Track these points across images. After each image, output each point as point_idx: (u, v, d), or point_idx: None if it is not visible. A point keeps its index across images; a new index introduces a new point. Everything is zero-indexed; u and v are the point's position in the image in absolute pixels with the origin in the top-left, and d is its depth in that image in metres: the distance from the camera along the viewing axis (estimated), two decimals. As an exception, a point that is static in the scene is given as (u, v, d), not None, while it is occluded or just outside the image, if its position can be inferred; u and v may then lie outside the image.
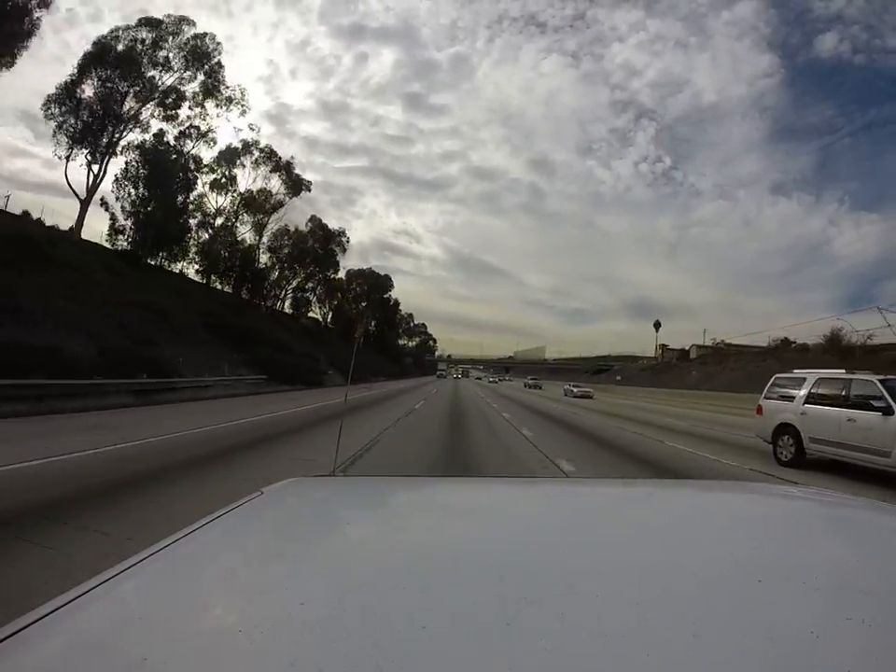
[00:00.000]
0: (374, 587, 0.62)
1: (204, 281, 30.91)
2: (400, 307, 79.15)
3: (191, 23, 24.57)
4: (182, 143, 25.62)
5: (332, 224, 47.45)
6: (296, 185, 33.74)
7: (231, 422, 10.07)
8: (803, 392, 7.60)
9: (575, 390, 33.23)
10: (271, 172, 31.85)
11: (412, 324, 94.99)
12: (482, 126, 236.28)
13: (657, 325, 80.00)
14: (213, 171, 28.44)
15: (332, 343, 40.59)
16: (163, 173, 23.38)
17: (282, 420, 11.46)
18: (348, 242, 45.19)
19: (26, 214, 22.60)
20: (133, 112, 22.52)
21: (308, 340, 35.80)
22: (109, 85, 20.64)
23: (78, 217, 21.91)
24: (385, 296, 66.36)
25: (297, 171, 33.77)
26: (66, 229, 21.92)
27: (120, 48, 21.16)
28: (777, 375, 8.67)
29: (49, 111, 20.11)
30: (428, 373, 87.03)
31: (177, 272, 28.39)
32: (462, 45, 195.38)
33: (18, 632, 0.50)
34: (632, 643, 0.50)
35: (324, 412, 13.62)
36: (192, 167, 26.58)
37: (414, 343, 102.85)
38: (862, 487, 5.84)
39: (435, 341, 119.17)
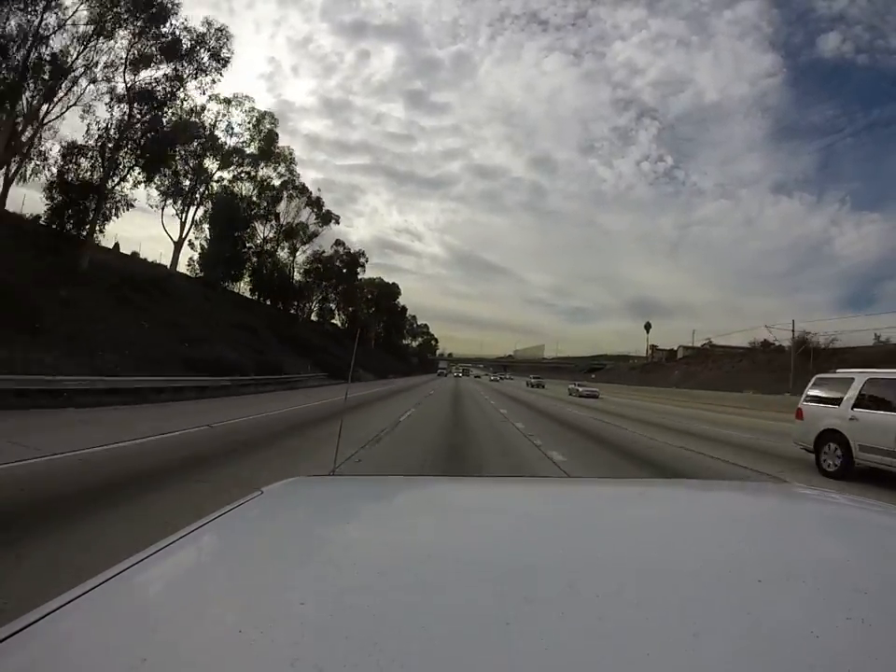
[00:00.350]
0: (374, 587, 0.62)
1: (255, 297, 37.82)
2: (407, 312, 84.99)
3: (252, 100, 31.07)
4: (239, 188, 32.34)
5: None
6: (325, 217, 40.79)
7: (348, 396, 17.58)
8: (850, 394, 6.76)
9: (581, 389, 32.11)
10: (304, 206, 38.67)
11: (415, 325, 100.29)
12: (483, 124, 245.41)
13: (647, 326, 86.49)
14: (260, 208, 34.58)
15: (350, 345, 46.50)
16: (228, 214, 30.00)
17: (373, 395, 19.59)
18: (367, 261, 53.06)
19: (135, 254, 29.67)
20: (211, 172, 28.87)
21: (333, 342, 41.89)
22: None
23: (173, 255, 28.41)
24: (394, 302, 72.58)
25: (321, 199, 40.51)
26: (161, 264, 28.68)
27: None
28: (819, 376, 7.79)
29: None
30: (431, 371, 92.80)
31: (236, 291, 35.51)
32: (464, 43, 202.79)
33: (18, 632, 0.50)
34: (632, 643, 0.50)
35: (383, 392, 22.22)
36: (247, 207, 33.13)
37: (418, 342, 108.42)
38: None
39: (437, 341, 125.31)
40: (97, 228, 21.08)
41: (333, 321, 55.35)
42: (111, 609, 0.58)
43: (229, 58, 23.50)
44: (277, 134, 32.50)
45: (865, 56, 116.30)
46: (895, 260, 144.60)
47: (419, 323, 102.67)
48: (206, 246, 30.87)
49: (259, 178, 32.99)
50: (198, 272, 31.65)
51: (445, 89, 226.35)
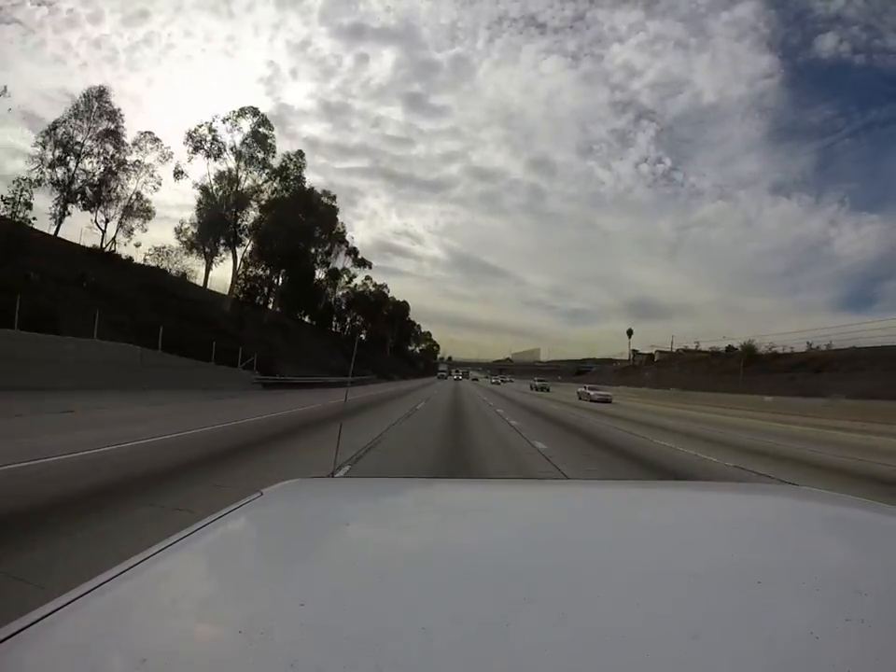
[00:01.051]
0: (374, 588, 0.62)
1: (310, 321, 51.50)
2: (415, 325, 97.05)
3: (337, 210, 46.11)
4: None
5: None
6: (361, 263, 54.89)
7: (402, 385, 31.56)
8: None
9: (592, 394, 29.35)
10: (345, 255, 52.10)
11: (420, 332, 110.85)
12: (482, 127, 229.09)
13: (629, 332, 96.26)
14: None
15: (375, 353, 62.76)
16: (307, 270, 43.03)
17: (416, 385, 33.81)
18: (390, 293, 69.59)
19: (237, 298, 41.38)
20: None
21: (362, 351, 54.84)
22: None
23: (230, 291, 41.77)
24: (405, 318, 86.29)
25: (357, 249, 54.47)
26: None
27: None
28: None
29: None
30: (434, 374, 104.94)
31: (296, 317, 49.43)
32: (462, 46, 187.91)
33: (18, 632, 0.50)
34: (632, 644, 0.50)
35: (416, 384, 36.16)
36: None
37: (422, 347, 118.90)
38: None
39: (438, 347, 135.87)
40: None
41: (360, 335, 68.53)
42: (111, 609, 0.58)
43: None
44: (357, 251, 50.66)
45: (863, 56, 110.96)
46: (894, 260, 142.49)
47: (423, 331, 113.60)
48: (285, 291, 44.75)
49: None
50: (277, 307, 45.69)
51: (444, 91, 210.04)
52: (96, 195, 28.08)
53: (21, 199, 22.48)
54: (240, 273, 36.26)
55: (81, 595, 0.58)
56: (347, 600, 0.59)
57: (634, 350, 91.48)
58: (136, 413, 10.35)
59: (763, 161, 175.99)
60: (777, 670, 0.47)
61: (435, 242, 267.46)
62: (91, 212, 28.39)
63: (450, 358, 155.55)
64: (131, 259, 29.08)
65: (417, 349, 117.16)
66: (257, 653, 0.47)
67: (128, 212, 29.40)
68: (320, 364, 34.10)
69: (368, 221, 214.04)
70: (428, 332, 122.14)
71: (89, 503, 3.99)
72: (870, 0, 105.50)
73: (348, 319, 62.09)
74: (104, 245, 28.26)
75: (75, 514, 3.68)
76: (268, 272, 38.67)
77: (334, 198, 46.16)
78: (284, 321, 40.05)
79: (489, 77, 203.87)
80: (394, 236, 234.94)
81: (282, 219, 34.69)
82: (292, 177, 36.81)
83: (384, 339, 72.53)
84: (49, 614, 0.53)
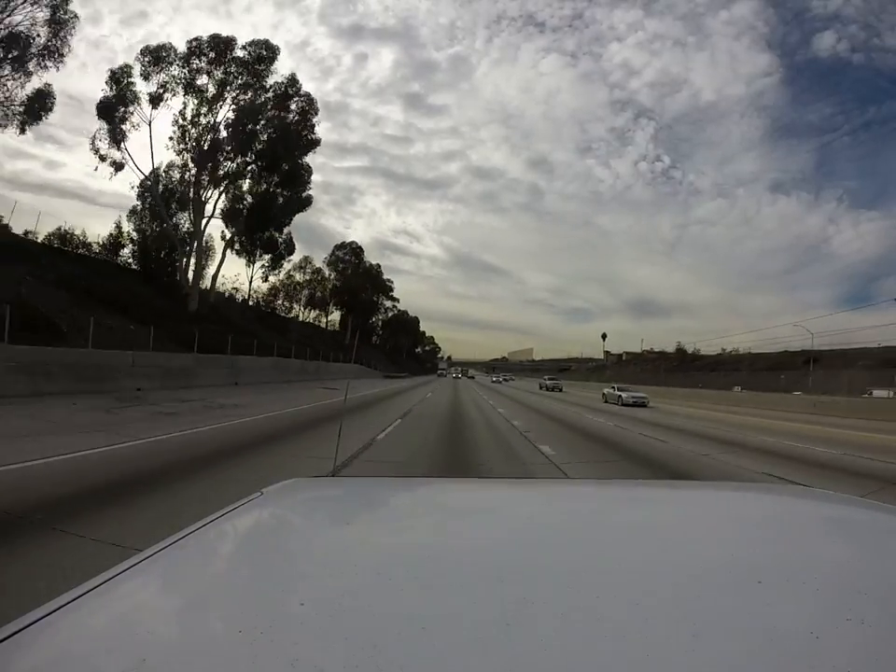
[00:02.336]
0: (374, 588, 0.62)
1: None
2: (426, 334, 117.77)
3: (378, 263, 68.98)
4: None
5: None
6: (393, 298, 77.73)
7: (419, 379, 53.08)
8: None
9: (624, 396, 22.79)
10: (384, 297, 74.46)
11: (425, 337, 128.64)
12: (481, 126, 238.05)
13: (604, 336, 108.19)
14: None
15: (399, 357, 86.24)
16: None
17: (427, 379, 56.06)
18: (419, 324, 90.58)
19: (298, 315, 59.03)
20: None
21: (395, 356, 77.06)
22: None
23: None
24: (418, 328, 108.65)
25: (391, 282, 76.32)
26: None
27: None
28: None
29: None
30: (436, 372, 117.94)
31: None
32: (461, 45, 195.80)
33: (18, 632, 0.50)
34: (632, 643, 0.50)
35: (426, 379, 57.61)
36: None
37: (426, 349, 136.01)
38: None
39: (440, 348, 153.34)
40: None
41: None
42: (111, 609, 0.59)
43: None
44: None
45: (861, 55, 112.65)
46: (892, 258, 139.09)
47: (428, 335, 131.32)
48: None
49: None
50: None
51: (443, 91, 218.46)
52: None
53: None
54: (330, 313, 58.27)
55: (81, 595, 0.58)
56: (347, 600, 0.58)
57: (607, 351, 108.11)
58: (329, 393, 18.68)
59: (762, 159, 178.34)
60: (776, 670, 0.47)
61: (434, 240, 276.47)
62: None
63: (449, 358, 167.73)
64: (297, 317, 52.61)
65: (422, 350, 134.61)
66: (257, 653, 0.47)
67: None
68: (384, 366, 56.34)
69: (367, 220, 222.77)
70: (432, 337, 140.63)
71: (308, 425, 9.74)
72: None
73: (380, 334, 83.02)
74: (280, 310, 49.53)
75: (303, 427, 9.52)
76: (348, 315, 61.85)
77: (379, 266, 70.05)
78: (353, 341, 61.72)
79: (488, 76, 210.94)
80: (393, 235, 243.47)
81: (353, 287, 56.13)
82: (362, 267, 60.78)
83: (402, 347, 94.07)
84: (49, 614, 0.54)
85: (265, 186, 31.79)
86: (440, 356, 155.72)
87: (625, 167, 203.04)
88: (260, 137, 29.70)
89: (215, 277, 33.88)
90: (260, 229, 33.09)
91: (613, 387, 25.54)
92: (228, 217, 31.80)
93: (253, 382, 22.12)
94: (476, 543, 0.83)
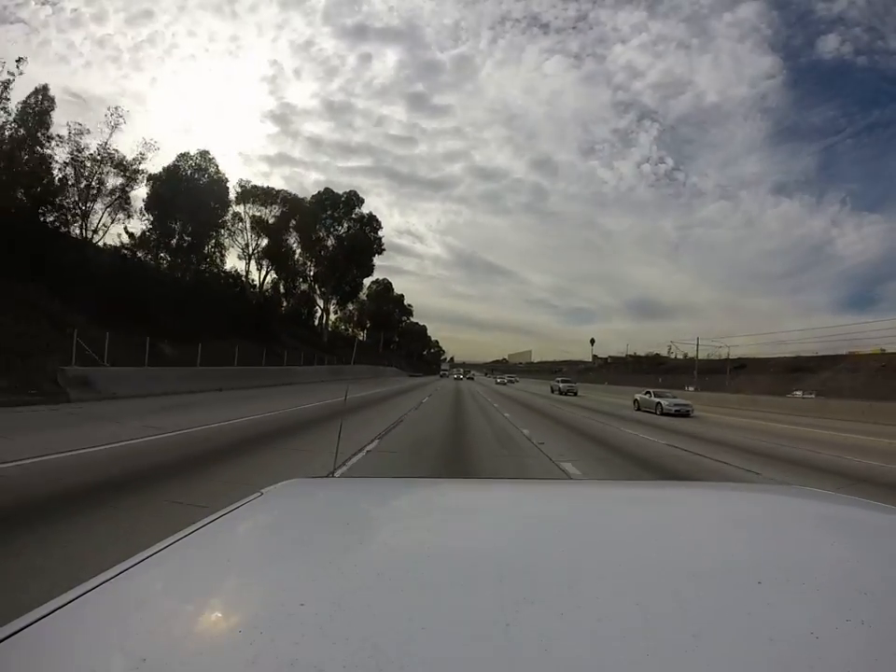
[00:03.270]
0: (374, 588, 0.62)
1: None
2: (430, 337, 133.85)
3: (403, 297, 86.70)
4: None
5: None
6: (410, 314, 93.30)
7: (428, 378, 68.38)
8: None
9: (664, 403, 18.55)
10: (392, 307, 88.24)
11: (431, 341, 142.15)
12: (484, 126, 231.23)
13: (592, 341, 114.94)
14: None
15: (412, 360, 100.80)
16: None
17: (430, 378, 70.84)
18: (426, 331, 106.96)
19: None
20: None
21: (411, 360, 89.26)
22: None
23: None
24: (426, 335, 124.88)
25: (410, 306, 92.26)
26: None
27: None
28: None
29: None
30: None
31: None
32: (465, 46, 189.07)
33: (18, 632, 0.50)
34: (632, 644, 0.50)
35: (432, 378, 71.96)
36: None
37: (432, 351, 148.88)
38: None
39: (444, 351, 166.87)
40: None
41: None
42: (111, 609, 0.59)
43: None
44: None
45: (865, 58, 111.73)
46: (894, 261, 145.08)
47: (433, 340, 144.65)
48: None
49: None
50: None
51: (447, 91, 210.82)
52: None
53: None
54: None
55: (81, 595, 0.58)
56: (347, 600, 0.59)
57: (595, 355, 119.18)
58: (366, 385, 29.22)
59: (765, 161, 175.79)
60: (777, 670, 0.47)
61: (437, 241, 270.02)
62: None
63: (452, 359, 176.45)
64: (355, 337, 67.53)
65: (428, 353, 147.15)
66: (257, 653, 0.47)
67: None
68: (405, 367, 71.68)
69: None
70: (437, 341, 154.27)
71: (365, 405, 15.48)
72: (872, 1, 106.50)
73: (397, 341, 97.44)
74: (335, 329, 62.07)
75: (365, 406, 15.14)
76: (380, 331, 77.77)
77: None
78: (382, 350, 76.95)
79: (492, 76, 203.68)
80: (396, 234, 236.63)
81: (385, 311, 73.27)
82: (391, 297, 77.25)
83: (413, 351, 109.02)
84: (49, 614, 0.54)
85: (354, 272, 53.86)
86: (443, 357, 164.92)
87: (629, 169, 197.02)
88: (348, 246, 51.38)
89: (326, 322, 56.93)
90: (351, 296, 58.67)
91: (649, 392, 20.98)
92: (331, 289, 54.18)
93: (351, 379, 34.89)
94: (476, 543, 0.83)
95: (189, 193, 29.59)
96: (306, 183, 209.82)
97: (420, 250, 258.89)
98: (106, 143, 24.73)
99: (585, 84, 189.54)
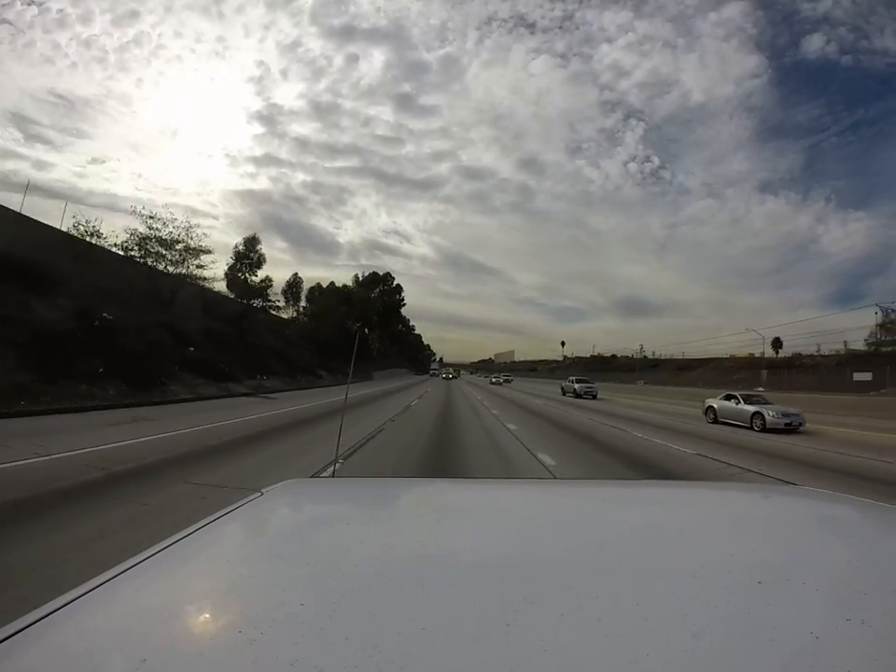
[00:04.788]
0: (374, 588, 0.62)
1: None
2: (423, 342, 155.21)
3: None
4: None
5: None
6: (412, 326, 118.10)
7: (422, 377, 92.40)
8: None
9: (770, 415, 13.14)
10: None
11: (423, 343, 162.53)
12: (471, 126, 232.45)
13: (563, 343, 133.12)
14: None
15: (410, 361, 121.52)
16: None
17: (424, 377, 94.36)
18: (421, 338, 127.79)
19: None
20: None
21: (413, 363, 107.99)
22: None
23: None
24: (421, 341, 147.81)
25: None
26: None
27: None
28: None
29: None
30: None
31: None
32: (452, 46, 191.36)
33: (18, 632, 0.50)
34: (632, 643, 0.50)
35: (424, 377, 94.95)
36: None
37: (425, 354, 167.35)
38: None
39: (434, 353, 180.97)
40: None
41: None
42: (111, 609, 0.59)
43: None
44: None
45: (849, 57, 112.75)
46: (880, 257, 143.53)
47: (425, 343, 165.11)
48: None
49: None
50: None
51: (433, 91, 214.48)
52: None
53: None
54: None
55: (81, 595, 0.58)
56: (347, 600, 0.58)
57: (565, 355, 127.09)
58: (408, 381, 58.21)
59: (751, 159, 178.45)
60: (777, 670, 0.47)
61: (424, 240, 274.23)
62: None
63: (441, 359, 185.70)
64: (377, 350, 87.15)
65: (421, 355, 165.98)
66: (257, 653, 0.47)
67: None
68: (410, 368, 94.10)
69: (357, 220, 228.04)
70: (428, 345, 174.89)
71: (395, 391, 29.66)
72: (857, 1, 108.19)
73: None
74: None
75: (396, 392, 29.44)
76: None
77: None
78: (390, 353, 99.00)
79: (478, 77, 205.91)
80: (383, 235, 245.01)
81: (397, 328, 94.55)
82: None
83: (408, 354, 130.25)
84: (49, 614, 0.54)
85: (389, 317, 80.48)
86: (433, 359, 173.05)
87: (615, 167, 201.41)
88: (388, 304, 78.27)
89: (374, 346, 75.86)
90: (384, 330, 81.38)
91: (734, 398, 14.87)
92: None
93: (385, 377, 57.67)
94: (476, 544, 0.83)
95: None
96: (293, 183, 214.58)
97: (407, 250, 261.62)
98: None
99: (572, 84, 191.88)
